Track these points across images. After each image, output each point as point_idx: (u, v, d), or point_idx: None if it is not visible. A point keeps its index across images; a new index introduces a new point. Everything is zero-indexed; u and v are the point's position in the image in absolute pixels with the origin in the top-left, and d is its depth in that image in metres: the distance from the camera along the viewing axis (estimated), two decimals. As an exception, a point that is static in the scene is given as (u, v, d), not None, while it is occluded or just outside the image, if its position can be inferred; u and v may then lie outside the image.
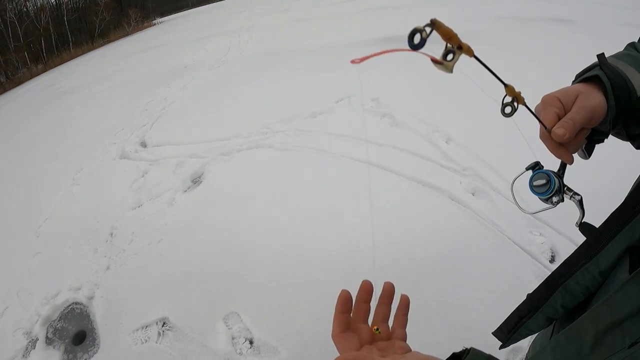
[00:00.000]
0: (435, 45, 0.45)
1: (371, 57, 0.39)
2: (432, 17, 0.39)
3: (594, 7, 9.98)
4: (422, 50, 0.39)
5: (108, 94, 10.88)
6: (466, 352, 0.53)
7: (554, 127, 0.76)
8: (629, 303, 0.68)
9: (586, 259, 0.84)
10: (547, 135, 0.78)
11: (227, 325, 2.96)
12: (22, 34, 27.49)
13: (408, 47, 0.38)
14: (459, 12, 11.50)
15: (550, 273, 0.93)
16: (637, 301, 0.67)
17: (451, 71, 0.40)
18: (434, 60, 0.40)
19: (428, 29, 0.38)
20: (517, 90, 0.63)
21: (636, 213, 0.74)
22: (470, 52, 0.42)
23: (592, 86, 0.81)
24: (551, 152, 0.80)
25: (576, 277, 0.85)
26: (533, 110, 0.75)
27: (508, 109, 0.65)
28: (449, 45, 0.40)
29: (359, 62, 0.39)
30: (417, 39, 0.37)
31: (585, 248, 0.86)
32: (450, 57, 0.40)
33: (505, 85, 0.61)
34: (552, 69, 5.67)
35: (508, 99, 0.64)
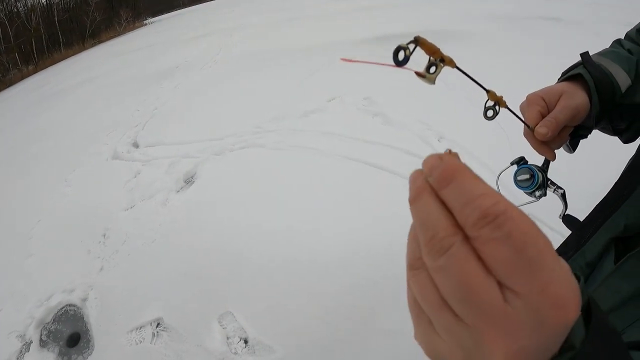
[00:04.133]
0: (421, 57, 0.46)
1: (358, 62, 0.41)
2: (416, 34, 0.41)
3: (584, 5, 10.02)
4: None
5: (100, 95, 10.83)
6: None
7: (537, 126, 0.78)
8: (612, 297, 0.69)
9: (573, 250, 0.85)
10: (530, 133, 0.79)
11: (221, 325, 2.96)
12: (13, 34, 27.31)
13: (393, 63, 0.39)
14: (450, 10, 11.52)
15: None
16: (620, 294, 0.68)
17: (434, 83, 0.41)
18: (418, 74, 0.42)
19: (412, 46, 0.39)
20: (498, 94, 0.65)
21: (620, 204, 0.76)
22: (452, 64, 0.43)
23: (576, 85, 0.83)
24: (534, 149, 0.82)
25: None
26: (516, 112, 0.76)
27: (490, 113, 0.67)
28: (431, 58, 0.42)
29: (349, 62, 0.40)
30: (401, 55, 0.38)
31: (572, 239, 0.88)
32: (433, 69, 0.41)
33: (487, 90, 0.63)
34: (542, 67, 5.68)
35: (490, 103, 0.66)
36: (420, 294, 0.32)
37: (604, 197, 0.82)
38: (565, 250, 0.89)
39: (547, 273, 0.26)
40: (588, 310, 0.32)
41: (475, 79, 0.54)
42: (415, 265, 0.32)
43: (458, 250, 0.28)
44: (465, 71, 0.48)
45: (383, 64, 0.39)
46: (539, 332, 0.27)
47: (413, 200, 0.32)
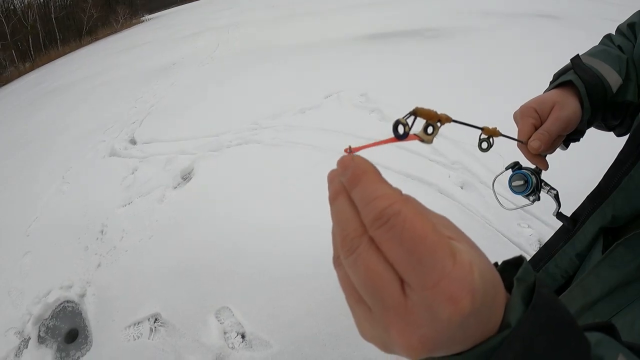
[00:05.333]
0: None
1: (366, 147, 0.43)
2: (415, 106, 0.42)
3: (579, 2, 10.02)
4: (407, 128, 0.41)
5: (96, 92, 10.81)
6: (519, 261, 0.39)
7: (530, 140, 0.79)
8: (600, 285, 0.70)
9: (564, 240, 0.87)
10: (524, 146, 0.81)
11: (218, 320, 2.98)
12: (9, 32, 27.25)
13: (394, 137, 0.40)
14: (444, 7, 11.50)
15: (532, 256, 0.97)
16: (608, 283, 0.69)
17: (431, 142, 0.43)
18: (419, 139, 0.43)
19: (410, 120, 0.40)
20: (491, 127, 0.66)
21: (608, 195, 0.77)
22: (449, 120, 0.44)
23: (567, 92, 0.84)
24: (528, 160, 0.84)
25: (555, 259, 0.88)
26: (510, 135, 0.77)
27: (484, 145, 0.68)
28: (429, 121, 0.43)
29: (357, 150, 0.41)
30: (400, 129, 0.39)
31: (563, 231, 0.90)
32: (430, 130, 0.42)
33: (482, 128, 0.64)
34: (538, 63, 5.70)
35: (484, 136, 0.67)
36: (343, 288, 0.35)
37: (594, 188, 0.83)
38: (555, 241, 0.91)
39: (438, 271, 0.28)
40: (533, 290, 0.34)
41: (469, 122, 0.55)
42: (336, 262, 0.36)
43: (364, 249, 0.31)
44: (459, 119, 0.49)
45: (387, 142, 0.41)
46: (436, 322, 0.29)
47: (331, 201, 0.36)
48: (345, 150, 0.41)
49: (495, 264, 0.39)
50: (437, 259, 0.28)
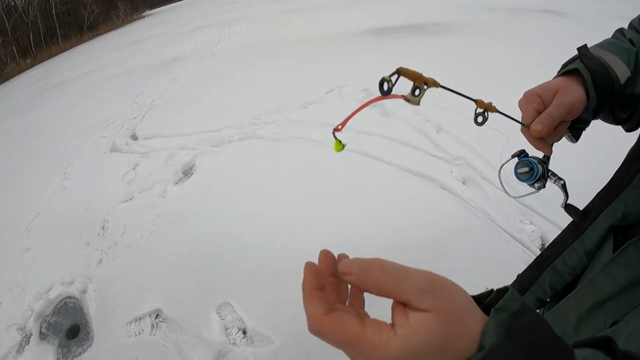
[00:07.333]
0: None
1: (348, 118, 0.47)
2: (398, 66, 0.44)
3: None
4: (394, 91, 0.43)
5: (98, 88, 10.80)
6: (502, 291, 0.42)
7: (532, 123, 0.78)
8: (610, 283, 0.70)
9: (572, 238, 0.86)
10: (526, 130, 0.80)
11: (220, 316, 2.97)
12: (10, 28, 27.25)
13: (380, 95, 0.44)
14: (449, 2, 11.47)
15: (540, 253, 0.96)
16: (618, 281, 0.69)
17: (419, 104, 0.45)
18: (404, 98, 0.44)
19: (394, 78, 0.42)
20: (486, 101, 0.67)
21: (619, 192, 0.76)
22: (436, 84, 0.46)
23: (572, 80, 0.82)
24: (532, 144, 0.83)
25: (563, 257, 0.88)
26: (507, 114, 0.77)
27: (480, 119, 0.68)
28: (415, 82, 0.44)
29: (341, 130, 0.48)
30: (385, 86, 0.42)
31: (572, 228, 0.89)
32: (417, 92, 0.44)
33: (475, 100, 0.65)
34: (543, 60, 5.68)
35: (479, 110, 0.67)
36: None
37: (605, 185, 0.82)
38: (564, 238, 0.90)
39: (364, 353, 0.38)
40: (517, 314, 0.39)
41: (461, 91, 0.57)
42: None
43: None
44: (449, 87, 0.51)
45: (371, 102, 0.43)
46: None
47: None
48: (335, 130, 0.48)
49: (491, 290, 0.44)
50: (359, 349, 0.38)
